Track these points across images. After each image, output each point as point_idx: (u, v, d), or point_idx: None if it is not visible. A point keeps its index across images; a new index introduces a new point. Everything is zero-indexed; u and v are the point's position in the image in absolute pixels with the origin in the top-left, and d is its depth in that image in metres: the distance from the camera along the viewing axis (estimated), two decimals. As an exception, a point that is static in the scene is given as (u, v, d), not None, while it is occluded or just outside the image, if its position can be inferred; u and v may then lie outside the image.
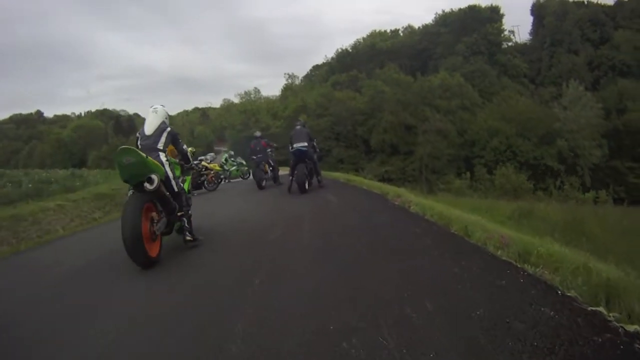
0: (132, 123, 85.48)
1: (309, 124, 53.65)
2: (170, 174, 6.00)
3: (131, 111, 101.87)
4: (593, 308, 2.79)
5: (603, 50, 69.71)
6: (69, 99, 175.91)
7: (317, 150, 14.04)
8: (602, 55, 69.17)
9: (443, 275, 3.84)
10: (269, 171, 16.39)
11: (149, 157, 5.39)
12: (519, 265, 3.76)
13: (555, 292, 3.11)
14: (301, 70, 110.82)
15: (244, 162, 21.85)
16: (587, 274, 3.27)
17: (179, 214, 6.17)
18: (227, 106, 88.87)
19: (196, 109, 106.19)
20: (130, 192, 5.57)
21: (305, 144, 12.21)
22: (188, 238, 6.21)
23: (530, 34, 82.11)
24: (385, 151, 57.90)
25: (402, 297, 3.41)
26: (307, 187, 12.26)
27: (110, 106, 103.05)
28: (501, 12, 76.53)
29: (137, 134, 6.30)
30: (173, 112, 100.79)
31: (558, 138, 52.25)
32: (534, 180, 46.01)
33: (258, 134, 17.69)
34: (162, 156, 5.93)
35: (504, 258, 4.03)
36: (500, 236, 4.56)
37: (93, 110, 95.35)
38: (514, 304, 3.02)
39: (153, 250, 5.42)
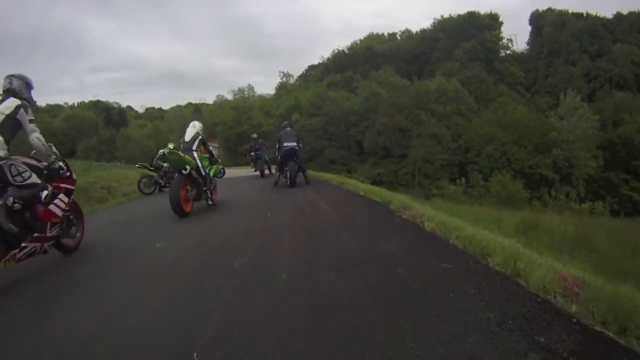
0: (124, 115, 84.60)
1: (302, 123, 54.46)
2: (200, 165, 9.78)
3: (124, 104, 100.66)
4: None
5: (600, 63, 68.90)
6: (62, 89, 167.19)
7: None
8: (599, 68, 68.28)
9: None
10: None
11: (185, 156, 9.39)
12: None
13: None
14: (296, 70, 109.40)
15: (219, 160, 20.57)
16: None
17: (204, 188, 9.98)
18: (220, 102, 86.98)
19: (189, 104, 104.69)
20: (175, 175, 9.63)
21: (295, 143, 13.99)
22: (209, 203, 10.34)
23: (528, 43, 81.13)
24: (378, 153, 56.07)
25: None
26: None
27: (103, 98, 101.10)
28: (500, 19, 75.41)
29: (180, 139, 10.32)
30: (166, 107, 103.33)
31: (554, 147, 51.03)
32: (529, 189, 44.88)
33: (255, 135, 24.77)
34: (195, 154, 9.75)
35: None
36: (563, 277, 3.58)
37: (86, 101, 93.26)
38: None
39: (187, 207, 9.28)
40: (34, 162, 5.47)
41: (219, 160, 12.84)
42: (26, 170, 5.08)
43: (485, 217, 19.43)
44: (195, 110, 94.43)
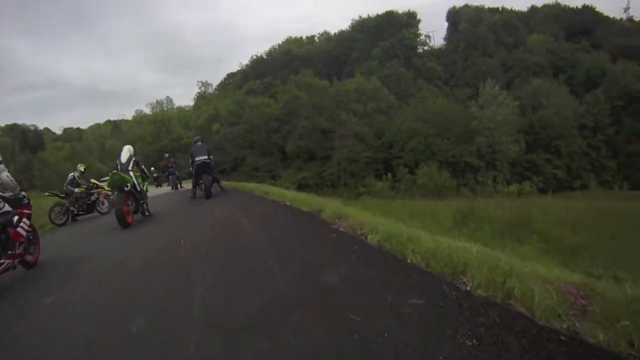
0: (40, 138, 78.69)
1: (222, 133, 53.04)
2: (135, 182, 11.09)
3: (42, 126, 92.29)
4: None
5: (517, 53, 70.19)
6: None
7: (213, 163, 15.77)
8: (515, 58, 69.74)
9: None
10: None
11: (125, 175, 10.64)
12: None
13: None
14: (216, 79, 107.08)
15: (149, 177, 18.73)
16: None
17: (141, 202, 11.38)
18: (139, 118, 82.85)
19: (108, 122, 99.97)
20: (116, 192, 10.52)
21: (206, 157, 14.48)
22: (146, 214, 11.60)
23: (445, 39, 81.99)
24: (301, 157, 54.45)
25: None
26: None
27: (20, 120, 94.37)
28: (418, 17, 75.72)
29: (117, 161, 11.38)
30: (85, 126, 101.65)
31: (476, 136, 51.35)
32: (455, 178, 44.95)
33: (167, 155, 28.56)
34: (131, 173, 11.06)
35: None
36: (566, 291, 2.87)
37: (2, 125, 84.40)
38: None
39: (129, 219, 10.44)
40: (5, 194, 6.49)
41: (149, 178, 13.77)
42: (1, 202, 6.17)
43: (420, 211, 19.59)
44: (113, 128, 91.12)
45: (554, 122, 53.74)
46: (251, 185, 19.57)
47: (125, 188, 10.47)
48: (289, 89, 59.25)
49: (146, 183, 12.49)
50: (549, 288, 2.87)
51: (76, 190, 14.91)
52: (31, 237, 6.97)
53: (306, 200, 9.87)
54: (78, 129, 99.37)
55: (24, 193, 6.94)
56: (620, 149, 56.42)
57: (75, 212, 14.82)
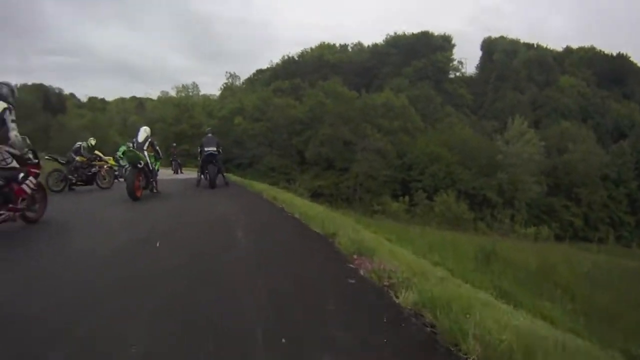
0: (63, 101, 77.51)
1: (244, 127, 51.64)
2: (149, 161, 12.01)
3: (68, 90, 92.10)
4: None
5: (548, 92, 68.75)
6: (5, 67, 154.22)
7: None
8: (546, 96, 68.37)
9: None
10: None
11: (140, 153, 11.62)
12: None
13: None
14: (243, 74, 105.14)
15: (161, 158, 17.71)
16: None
17: (151, 179, 12.45)
18: (164, 99, 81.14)
19: (133, 98, 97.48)
20: (130, 168, 12.03)
21: (215, 148, 14.86)
22: (154, 191, 12.76)
23: (477, 68, 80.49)
24: (320, 165, 52.88)
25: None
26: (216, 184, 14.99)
27: (48, 82, 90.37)
28: (452, 42, 74.53)
29: (134, 139, 12.65)
30: (110, 98, 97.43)
31: (499, 170, 49.52)
32: (472, 211, 42.85)
33: (174, 144, 31.17)
34: (145, 152, 12.00)
35: None
36: None
37: (29, 83, 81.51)
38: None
39: (138, 193, 11.19)
40: (14, 151, 6.59)
41: (161, 158, 14.31)
42: (9, 157, 6.43)
43: (440, 242, 17.88)
44: (138, 105, 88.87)
45: (579, 168, 51.96)
46: (262, 186, 17.92)
47: (139, 165, 11.40)
48: (316, 94, 57.68)
49: (158, 163, 13.55)
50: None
51: (77, 158, 14.43)
52: (36, 195, 7.24)
53: (319, 217, 8.08)
54: (103, 99, 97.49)
55: (33, 153, 7.13)
56: (640, 205, 54.29)
57: (73, 180, 14.28)
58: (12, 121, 6.48)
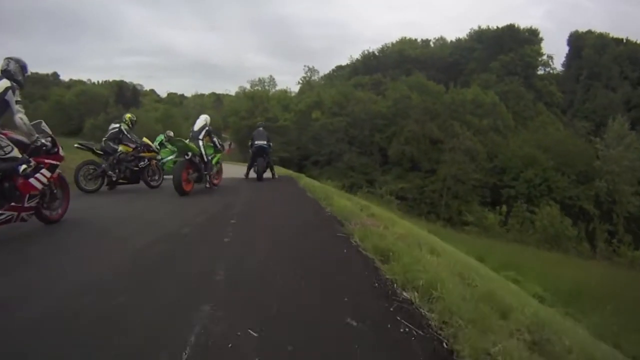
0: (136, 95, 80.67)
1: (322, 122, 50.78)
2: (204, 152, 10.54)
3: (148, 87, 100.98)
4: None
5: (643, 90, 61.49)
6: (89, 67, 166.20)
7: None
8: (641, 95, 60.89)
9: None
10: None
11: (190, 143, 10.26)
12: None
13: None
14: (322, 71, 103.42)
15: (222, 150, 14.40)
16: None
17: (205, 172, 10.58)
18: (243, 94, 77.98)
19: (212, 94, 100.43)
20: (181, 158, 10.36)
21: (265, 142, 14.62)
22: (207, 186, 11.04)
23: (564, 65, 73.01)
24: (403, 165, 47.97)
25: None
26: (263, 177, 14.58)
27: (130, 80, 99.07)
28: (540, 35, 68.35)
29: (190, 129, 11.17)
30: (188, 94, 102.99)
31: (597, 178, 43.33)
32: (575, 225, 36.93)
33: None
34: (200, 142, 10.61)
35: None
36: None
37: (110, 80, 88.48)
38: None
39: (187, 187, 9.77)
40: (20, 138, 5.58)
41: (222, 150, 12.59)
42: (8, 145, 5.23)
43: (571, 280, 13.50)
44: (216, 100, 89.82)
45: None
46: (329, 190, 12.18)
47: (187, 156, 10.11)
48: (400, 87, 52.71)
49: (218, 156, 11.90)
50: None
51: (120, 148, 10.69)
52: (55, 191, 6.10)
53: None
54: (182, 95, 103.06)
55: (44, 140, 5.82)
56: None
57: (114, 178, 10.50)
58: (17, 102, 5.53)
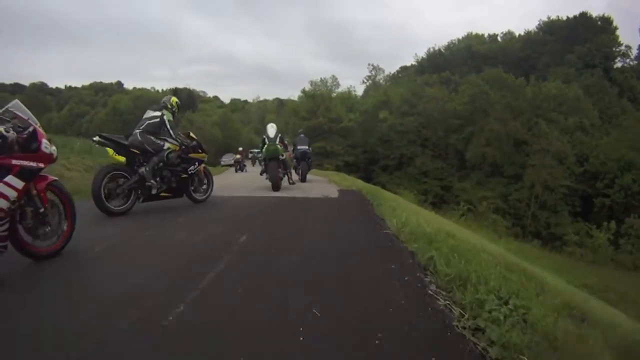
0: (193, 98, 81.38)
1: (391, 123, 47.04)
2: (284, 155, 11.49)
3: (211, 94, 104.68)
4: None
5: None
6: (154, 77, 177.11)
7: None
8: None
9: None
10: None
11: (279, 146, 10.93)
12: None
13: None
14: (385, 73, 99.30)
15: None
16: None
17: (287, 171, 12.10)
18: (304, 93, 74.32)
19: (276, 99, 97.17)
20: (270, 161, 10.79)
21: (307, 147, 14.90)
22: (290, 182, 12.50)
23: (636, 58, 63.99)
24: (483, 170, 42.42)
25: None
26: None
27: (193, 87, 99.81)
28: (614, 24, 61.33)
29: (264, 135, 11.39)
30: (251, 99, 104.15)
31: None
32: None
33: (241, 148, 31.47)
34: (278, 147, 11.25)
35: None
36: None
37: (174, 87, 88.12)
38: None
39: (279, 184, 10.69)
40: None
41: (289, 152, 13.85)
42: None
43: None
44: (278, 104, 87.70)
45: None
46: (391, 206, 7.86)
47: (281, 157, 11.06)
48: (476, 82, 46.78)
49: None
50: None
51: (167, 145, 6.77)
52: (41, 209, 3.83)
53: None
54: (245, 101, 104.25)
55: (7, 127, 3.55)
56: None
57: (154, 190, 6.59)
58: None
